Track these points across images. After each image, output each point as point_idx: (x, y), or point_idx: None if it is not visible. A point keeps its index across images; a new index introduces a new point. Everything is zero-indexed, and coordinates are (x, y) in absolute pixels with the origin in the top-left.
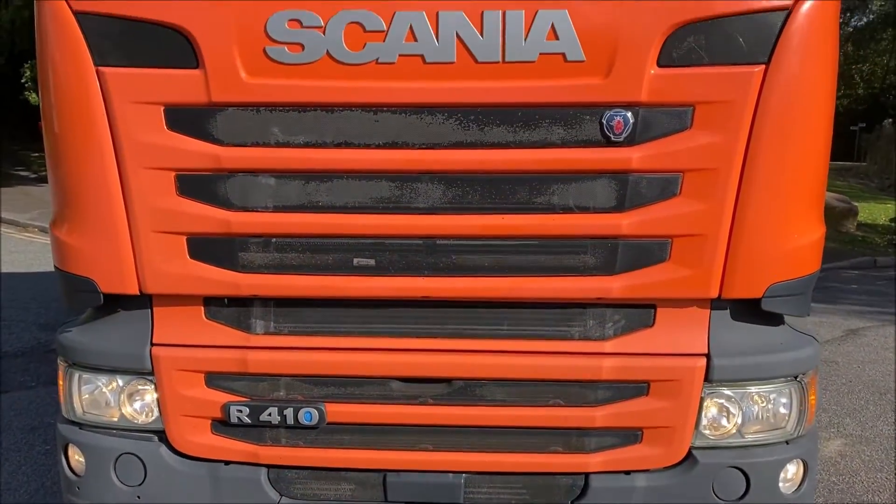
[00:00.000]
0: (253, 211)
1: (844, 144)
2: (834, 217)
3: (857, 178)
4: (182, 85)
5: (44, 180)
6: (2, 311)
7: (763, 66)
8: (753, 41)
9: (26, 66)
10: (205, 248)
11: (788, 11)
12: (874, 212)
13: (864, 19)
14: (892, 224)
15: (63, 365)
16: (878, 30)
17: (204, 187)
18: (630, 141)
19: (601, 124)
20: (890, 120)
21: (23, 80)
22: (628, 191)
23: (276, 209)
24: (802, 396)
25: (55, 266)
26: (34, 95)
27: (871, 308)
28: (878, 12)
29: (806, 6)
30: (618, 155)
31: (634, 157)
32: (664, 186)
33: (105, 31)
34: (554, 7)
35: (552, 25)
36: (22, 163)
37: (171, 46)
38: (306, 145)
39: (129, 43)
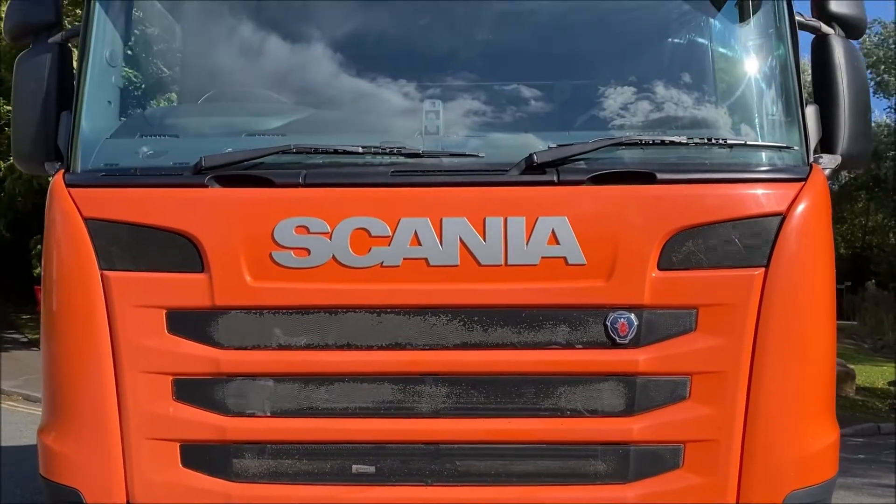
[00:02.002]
0: (250, 416)
1: None
2: None
3: (850, 339)
4: (186, 289)
5: (35, 344)
6: None
7: (763, 270)
8: (751, 245)
9: (35, 239)
10: (198, 455)
11: (783, 216)
12: (872, 375)
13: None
14: (891, 388)
15: None
16: (854, 191)
17: (201, 392)
18: (635, 343)
19: (605, 326)
20: (873, 280)
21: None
22: (637, 394)
23: (274, 414)
24: None
25: (41, 474)
26: (38, 269)
27: (884, 482)
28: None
29: (799, 211)
30: (624, 357)
31: (641, 359)
32: (673, 389)
33: (113, 237)
34: (554, 214)
35: (552, 231)
36: (13, 325)
37: (178, 251)
38: (308, 347)
39: (135, 248)
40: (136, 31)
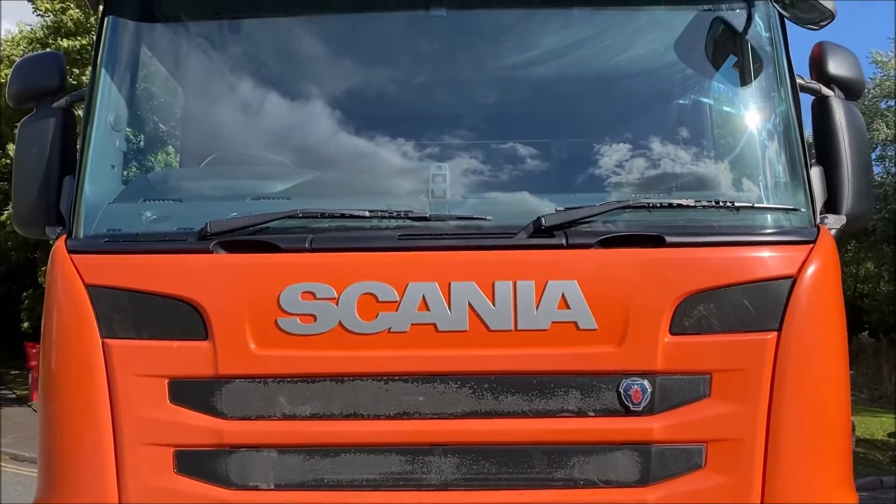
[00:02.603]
0: (254, 490)
1: None
2: None
3: None
4: (189, 357)
5: (23, 401)
6: None
7: (775, 334)
8: (763, 309)
9: (25, 294)
10: None
11: (794, 279)
12: (871, 426)
13: None
14: (891, 440)
15: None
16: (843, 242)
17: (203, 464)
18: (649, 410)
19: (619, 393)
20: (867, 332)
21: (20, 308)
22: (652, 463)
23: (279, 487)
24: None
25: None
26: (27, 323)
27: None
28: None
29: (809, 273)
30: (638, 425)
31: (655, 427)
32: (688, 458)
33: (114, 304)
34: (563, 278)
35: (563, 295)
36: (2, 381)
37: (181, 318)
38: (313, 417)
39: (138, 315)
40: (140, 95)
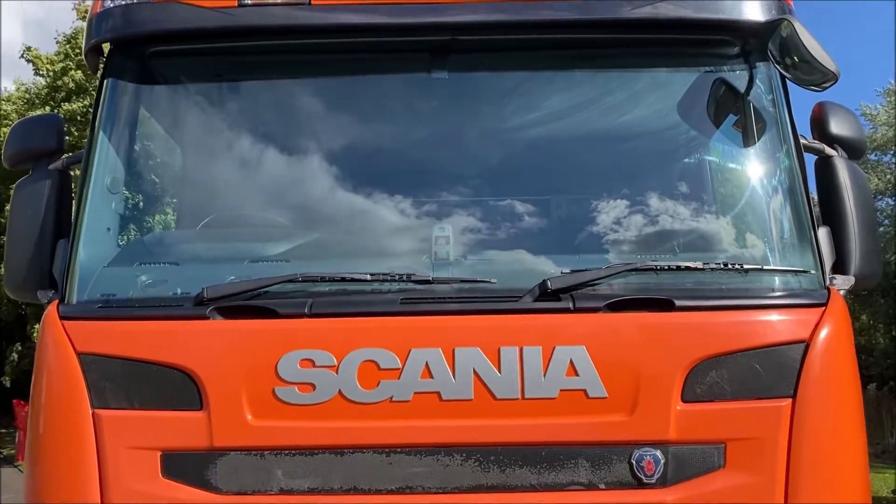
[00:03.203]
0: None
1: None
2: None
3: None
4: (183, 428)
5: (9, 461)
6: None
7: (790, 401)
8: (777, 375)
9: (13, 349)
10: None
11: (807, 344)
12: (875, 482)
13: None
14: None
15: None
16: None
17: None
18: (662, 482)
19: (631, 464)
20: (874, 384)
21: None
22: None
23: None
24: None
25: None
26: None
27: None
28: None
29: (822, 337)
30: (652, 498)
31: (669, 500)
32: None
33: (106, 373)
34: (571, 344)
35: (571, 361)
36: None
37: (175, 388)
38: (312, 491)
39: (130, 384)
40: (138, 156)
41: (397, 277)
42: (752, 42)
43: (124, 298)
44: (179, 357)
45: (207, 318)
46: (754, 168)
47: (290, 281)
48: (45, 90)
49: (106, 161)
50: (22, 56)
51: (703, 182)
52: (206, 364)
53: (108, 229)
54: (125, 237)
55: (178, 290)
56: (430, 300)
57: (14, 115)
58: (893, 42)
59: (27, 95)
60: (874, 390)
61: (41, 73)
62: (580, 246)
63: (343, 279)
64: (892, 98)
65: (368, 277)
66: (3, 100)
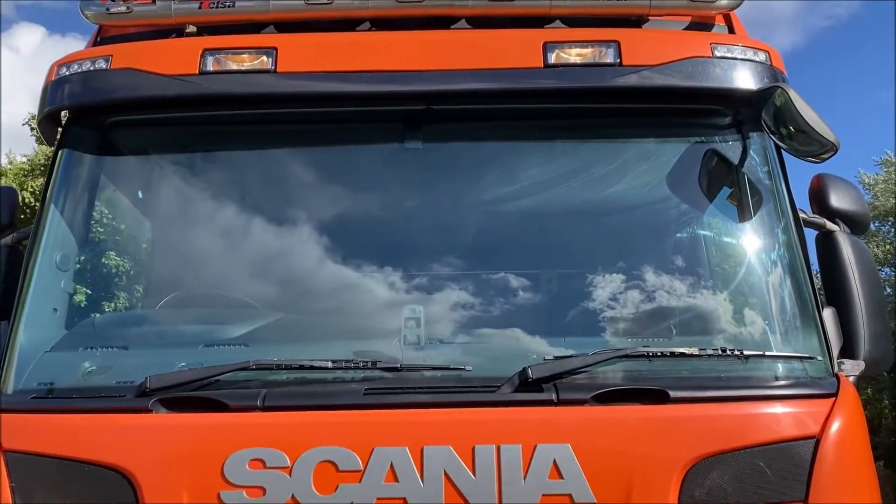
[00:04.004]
0: None
1: None
2: None
3: None
4: None
5: None
6: None
7: None
8: (786, 475)
9: None
10: None
11: (817, 439)
12: None
13: None
14: None
15: None
16: None
17: None
18: None
19: None
20: (881, 463)
21: None
22: None
23: None
24: None
25: None
26: None
27: None
28: None
29: (834, 431)
30: None
31: None
32: None
33: (35, 473)
34: (554, 441)
35: (554, 462)
36: None
37: (109, 491)
38: None
39: (60, 486)
40: (92, 231)
41: (361, 364)
42: (744, 111)
43: (63, 388)
44: (115, 456)
45: (149, 411)
46: (752, 244)
47: (243, 369)
48: (44, 159)
49: (56, 236)
50: (25, 123)
51: (697, 259)
52: (145, 464)
53: (55, 310)
54: (73, 318)
55: (123, 379)
56: (396, 391)
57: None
58: (893, 91)
59: (26, 166)
60: (882, 469)
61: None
62: (564, 327)
63: (301, 367)
64: (891, 168)
65: (329, 365)
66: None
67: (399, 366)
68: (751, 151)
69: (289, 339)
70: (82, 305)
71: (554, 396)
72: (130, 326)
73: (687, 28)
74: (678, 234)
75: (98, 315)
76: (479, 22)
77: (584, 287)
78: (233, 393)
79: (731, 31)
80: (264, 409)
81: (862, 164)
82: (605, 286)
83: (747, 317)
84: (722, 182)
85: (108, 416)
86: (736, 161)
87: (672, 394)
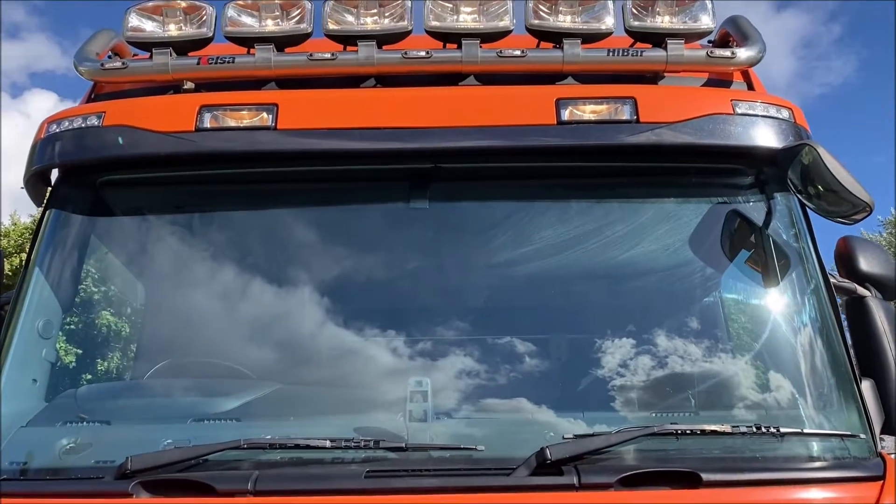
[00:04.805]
0: None
1: None
2: None
3: None
4: None
5: None
6: None
7: None
8: None
9: None
10: None
11: None
12: None
13: None
14: None
15: None
16: None
17: None
18: None
19: None
20: None
21: None
22: None
23: None
24: None
25: None
26: None
27: None
28: None
29: None
30: None
31: None
32: None
33: None
34: None
35: None
36: None
37: None
38: None
39: None
40: (79, 296)
41: (363, 444)
42: (767, 170)
43: (37, 468)
44: None
45: (130, 494)
46: (781, 310)
47: (233, 448)
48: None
49: (40, 301)
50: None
51: (721, 326)
52: None
53: (34, 381)
54: (55, 390)
55: (103, 458)
56: (401, 473)
57: (12, 250)
58: (891, 155)
59: (32, 226)
60: None
61: None
62: (583, 401)
63: (297, 446)
64: (894, 228)
65: (328, 444)
66: (3, 235)
67: (404, 445)
68: (776, 212)
69: (284, 412)
70: (66, 373)
71: (575, 480)
72: (114, 398)
73: (704, 85)
74: (700, 300)
75: (81, 386)
76: (488, 79)
77: (603, 356)
78: (222, 475)
79: (751, 87)
80: (256, 493)
81: (860, 227)
82: (626, 356)
83: (780, 390)
84: (745, 244)
85: (84, 501)
86: (760, 222)
87: (704, 476)
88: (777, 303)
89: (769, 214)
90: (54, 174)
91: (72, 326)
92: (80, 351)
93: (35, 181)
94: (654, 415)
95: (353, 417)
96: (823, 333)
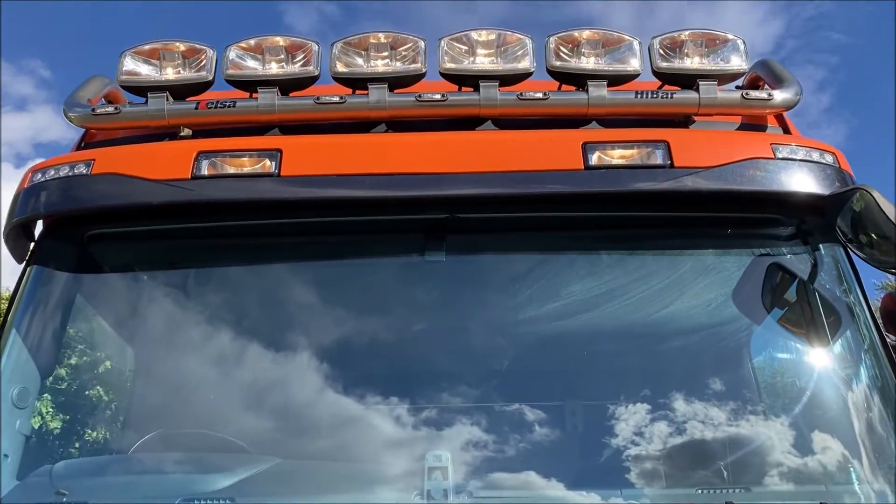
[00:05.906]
0: None
1: None
2: None
3: None
4: None
5: None
6: None
7: None
8: None
9: None
10: None
11: None
12: None
13: None
14: None
15: None
16: None
17: None
18: None
19: None
20: None
21: None
22: None
23: None
24: None
25: None
26: None
27: None
28: None
29: None
30: None
31: None
32: None
33: None
34: None
35: None
36: None
37: None
38: None
39: None
40: (60, 362)
41: None
42: (810, 219)
43: None
44: None
45: None
46: (835, 373)
47: None
48: None
49: (16, 367)
50: None
51: (764, 390)
52: None
53: (6, 456)
54: (29, 465)
55: None
56: None
57: None
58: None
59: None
60: None
61: None
62: (620, 477)
63: None
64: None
65: None
66: (4, 298)
67: None
68: (822, 264)
69: (284, 491)
70: (42, 447)
71: None
72: (95, 475)
73: (738, 129)
74: (743, 361)
75: (59, 462)
76: (506, 123)
77: (643, 425)
78: None
79: (787, 132)
80: None
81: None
82: (671, 425)
83: (835, 463)
84: (790, 300)
85: None
86: (805, 275)
87: None
88: (829, 365)
89: (815, 267)
90: (39, 227)
91: (51, 395)
92: (59, 423)
93: (17, 234)
94: (699, 492)
95: (361, 497)
96: (884, 397)
